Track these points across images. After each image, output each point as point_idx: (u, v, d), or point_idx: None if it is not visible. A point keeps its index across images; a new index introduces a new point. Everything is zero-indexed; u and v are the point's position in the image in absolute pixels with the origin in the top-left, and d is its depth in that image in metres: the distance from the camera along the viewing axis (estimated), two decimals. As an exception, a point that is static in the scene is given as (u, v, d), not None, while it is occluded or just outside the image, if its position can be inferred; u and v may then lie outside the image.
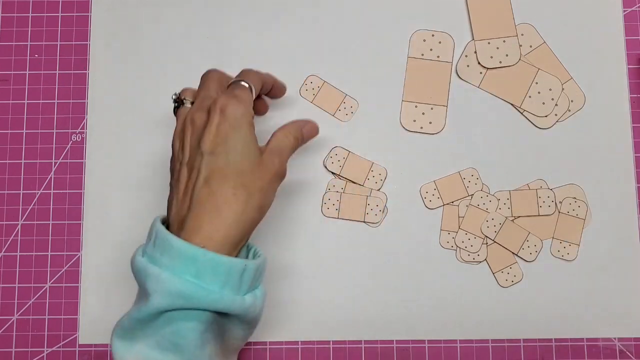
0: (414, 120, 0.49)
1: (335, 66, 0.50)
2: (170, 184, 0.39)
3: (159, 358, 0.35)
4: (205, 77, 0.41)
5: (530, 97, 0.49)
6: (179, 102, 0.41)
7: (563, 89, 0.49)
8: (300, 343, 0.47)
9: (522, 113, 0.49)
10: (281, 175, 0.39)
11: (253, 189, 0.37)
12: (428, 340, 0.47)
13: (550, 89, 0.49)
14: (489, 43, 0.49)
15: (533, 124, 0.49)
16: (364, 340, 0.47)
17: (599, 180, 0.49)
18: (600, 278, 0.48)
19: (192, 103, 0.40)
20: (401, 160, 0.49)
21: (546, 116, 0.49)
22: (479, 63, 0.49)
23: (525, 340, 0.47)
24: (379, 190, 0.49)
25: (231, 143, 0.36)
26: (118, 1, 0.51)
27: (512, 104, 0.49)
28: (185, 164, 0.38)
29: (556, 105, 0.49)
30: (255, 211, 0.37)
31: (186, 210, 0.37)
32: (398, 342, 0.47)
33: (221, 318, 0.36)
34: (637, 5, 0.51)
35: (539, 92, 0.49)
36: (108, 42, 0.51)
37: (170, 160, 0.40)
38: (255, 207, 0.37)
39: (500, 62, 0.49)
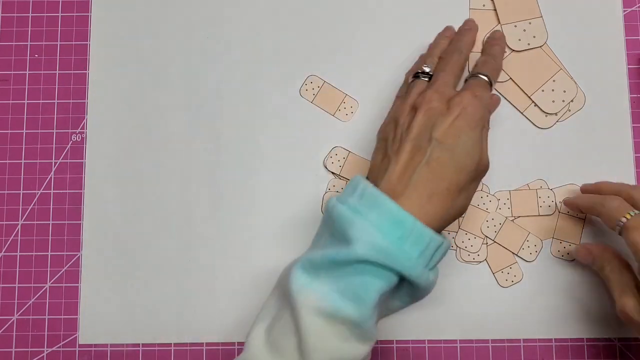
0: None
1: (336, 66, 0.50)
2: (384, 148, 0.41)
3: (337, 301, 0.36)
4: (449, 58, 0.43)
5: (543, 90, 0.49)
6: (415, 74, 0.44)
7: (576, 95, 0.49)
8: (300, 343, 0.47)
9: (522, 113, 0.49)
10: (486, 172, 0.41)
11: (464, 189, 0.39)
12: (428, 340, 0.47)
13: (564, 91, 0.49)
14: (515, 26, 0.49)
15: (533, 123, 0.49)
16: (364, 340, 0.47)
17: (599, 180, 0.49)
18: (600, 278, 0.48)
19: (430, 77, 0.43)
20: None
21: (555, 113, 0.49)
22: (507, 46, 0.49)
23: (525, 340, 0.47)
24: None
25: (462, 140, 0.38)
26: (118, 1, 0.51)
27: (523, 91, 0.49)
28: (411, 139, 0.39)
29: (568, 110, 0.49)
30: (457, 210, 0.39)
31: (402, 184, 0.38)
32: (398, 342, 0.47)
33: (400, 285, 0.38)
34: (637, 5, 0.51)
35: (552, 90, 0.49)
36: (108, 42, 0.51)
37: (388, 121, 0.42)
38: (459, 207, 0.39)
39: (529, 44, 0.49)
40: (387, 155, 0.40)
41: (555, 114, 0.49)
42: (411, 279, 0.37)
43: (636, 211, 0.40)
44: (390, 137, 0.41)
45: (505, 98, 0.49)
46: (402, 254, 0.36)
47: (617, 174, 0.49)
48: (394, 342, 0.47)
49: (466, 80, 0.43)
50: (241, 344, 0.47)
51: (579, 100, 0.49)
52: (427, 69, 0.43)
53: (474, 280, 0.48)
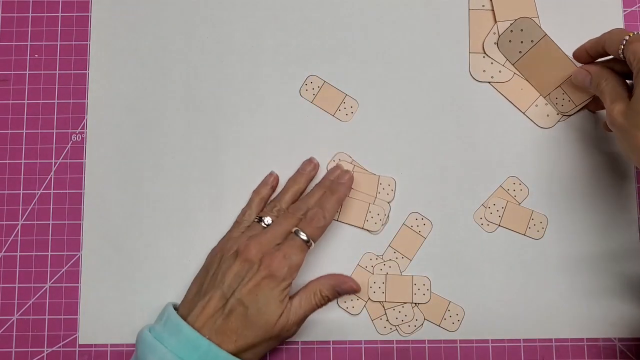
0: (484, 71, 0.49)
1: (336, 66, 0.50)
2: (202, 279, 0.44)
3: None
4: (293, 214, 0.45)
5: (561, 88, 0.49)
6: (259, 218, 0.46)
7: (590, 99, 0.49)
8: (300, 343, 0.47)
9: (524, 112, 0.49)
10: (286, 336, 0.44)
11: (253, 347, 0.42)
12: (428, 340, 0.47)
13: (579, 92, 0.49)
14: (511, 31, 0.49)
15: (535, 123, 0.49)
16: (364, 340, 0.47)
17: (599, 180, 0.49)
18: (600, 278, 0.48)
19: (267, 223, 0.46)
20: (403, 162, 0.49)
21: (567, 114, 0.49)
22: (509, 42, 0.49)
23: (525, 340, 0.47)
24: (390, 202, 0.49)
25: (260, 301, 0.42)
26: (118, 1, 0.51)
27: (538, 90, 0.49)
28: (222, 287, 0.42)
29: (579, 109, 0.49)
30: (254, 356, 0.43)
31: (202, 322, 0.42)
32: (398, 342, 0.47)
33: None
34: (637, 5, 0.51)
35: (563, 93, 0.49)
36: (108, 42, 0.51)
37: (218, 250, 0.45)
38: (255, 354, 0.43)
39: (532, 41, 0.49)
40: (200, 291, 0.43)
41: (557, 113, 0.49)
42: None
43: (636, 32, 0.42)
44: (211, 271, 0.44)
45: (507, 98, 0.49)
46: None
47: (617, 174, 0.49)
48: (394, 342, 0.47)
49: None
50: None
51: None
52: (267, 221, 0.46)
53: (474, 281, 0.48)
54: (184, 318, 0.42)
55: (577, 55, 0.47)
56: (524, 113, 0.49)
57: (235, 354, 0.41)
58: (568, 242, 0.48)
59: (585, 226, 0.48)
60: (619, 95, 0.42)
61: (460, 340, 0.47)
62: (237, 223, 0.47)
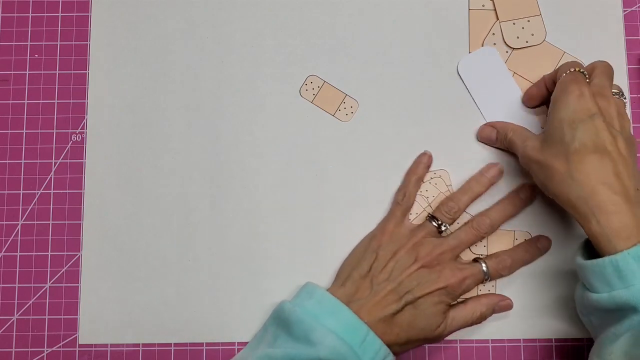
0: None
1: (336, 66, 0.50)
2: (370, 263, 0.44)
3: None
4: (474, 228, 0.45)
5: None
6: (431, 216, 0.46)
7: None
8: (300, 343, 0.47)
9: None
10: (436, 342, 0.45)
11: (409, 343, 0.43)
12: (428, 340, 0.47)
13: None
14: (513, 23, 0.49)
15: (535, 123, 0.49)
16: (364, 340, 0.47)
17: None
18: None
19: (439, 224, 0.46)
20: (400, 163, 0.49)
21: None
22: (505, 44, 0.49)
23: (525, 340, 0.47)
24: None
25: (430, 310, 0.43)
26: (118, 1, 0.51)
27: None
28: (396, 282, 0.43)
29: None
30: (396, 352, 0.43)
31: (369, 315, 0.42)
32: (398, 342, 0.47)
33: None
34: (637, 5, 0.51)
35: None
36: (108, 42, 0.51)
37: (389, 239, 0.45)
38: (402, 351, 0.44)
39: (527, 42, 0.49)
40: (371, 279, 0.44)
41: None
42: None
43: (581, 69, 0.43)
44: (383, 259, 0.44)
45: (528, 80, 0.49)
46: (356, 358, 0.40)
47: (617, 174, 0.49)
48: (394, 342, 0.47)
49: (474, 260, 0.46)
50: (241, 343, 0.47)
51: None
52: (444, 228, 0.46)
53: (474, 280, 0.48)
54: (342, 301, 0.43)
55: (529, 95, 0.47)
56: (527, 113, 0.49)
57: (392, 344, 0.42)
58: (568, 242, 0.48)
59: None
60: (528, 136, 0.44)
61: (460, 340, 0.47)
62: (397, 205, 0.47)
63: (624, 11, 0.51)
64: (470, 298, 0.45)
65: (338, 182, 0.49)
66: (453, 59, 0.50)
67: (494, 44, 0.50)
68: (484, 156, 0.49)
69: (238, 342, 0.47)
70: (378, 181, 0.49)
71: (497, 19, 0.50)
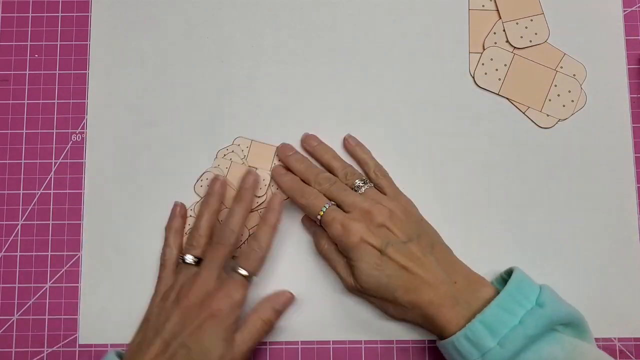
0: (485, 74, 0.49)
1: (335, 66, 0.50)
2: (145, 330, 0.44)
3: None
4: (218, 247, 0.44)
5: (550, 100, 0.49)
6: (182, 259, 0.46)
7: (581, 93, 0.49)
8: (300, 343, 0.47)
9: (524, 113, 0.49)
10: None
11: None
12: (428, 340, 0.47)
13: (569, 91, 0.49)
14: (517, 23, 0.49)
15: (535, 123, 0.49)
16: (364, 340, 0.47)
17: (599, 180, 0.49)
18: (600, 278, 0.48)
19: (193, 258, 0.45)
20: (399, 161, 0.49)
21: (564, 106, 0.49)
22: (508, 43, 0.49)
23: (525, 340, 0.47)
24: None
25: (205, 342, 0.41)
26: (118, 1, 0.51)
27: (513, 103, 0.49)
28: (163, 335, 0.42)
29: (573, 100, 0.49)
30: None
31: None
32: (398, 342, 0.47)
33: None
34: (637, 5, 0.51)
35: (558, 95, 0.49)
36: (108, 42, 0.51)
37: (156, 301, 0.45)
38: None
39: (531, 41, 0.49)
40: (144, 340, 0.43)
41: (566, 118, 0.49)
42: None
43: (327, 204, 0.44)
44: (151, 321, 0.44)
45: (508, 99, 0.49)
46: None
47: (617, 174, 0.49)
48: (394, 342, 0.47)
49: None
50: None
51: (580, 100, 0.49)
52: (189, 260, 0.45)
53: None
54: None
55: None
56: (524, 113, 0.49)
57: None
58: (568, 242, 0.48)
59: (585, 226, 0.48)
60: (345, 267, 0.44)
61: (460, 340, 0.47)
62: (162, 266, 0.46)
63: (624, 11, 0.51)
64: (250, 312, 0.45)
65: (338, 182, 0.49)
66: (453, 59, 0.50)
67: (495, 43, 0.50)
68: (485, 156, 0.49)
69: (238, 342, 0.47)
70: (378, 181, 0.49)
71: (500, 18, 0.50)
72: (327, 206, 0.44)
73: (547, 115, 0.49)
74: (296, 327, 0.47)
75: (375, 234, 0.42)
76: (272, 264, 0.48)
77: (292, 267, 0.48)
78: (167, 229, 0.48)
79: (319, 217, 0.44)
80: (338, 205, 0.44)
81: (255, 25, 0.51)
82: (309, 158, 0.48)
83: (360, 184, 0.45)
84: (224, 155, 0.49)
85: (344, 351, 0.47)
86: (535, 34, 0.49)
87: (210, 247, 0.45)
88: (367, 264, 0.42)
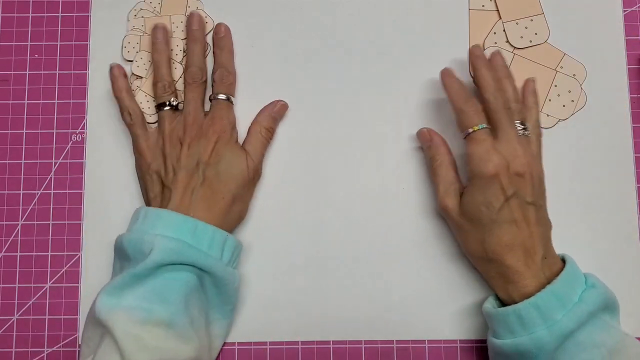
0: None
1: (335, 66, 0.50)
2: (159, 180, 0.45)
3: (144, 307, 0.39)
4: (193, 86, 0.47)
5: (550, 100, 0.49)
6: (158, 105, 0.47)
7: (581, 93, 0.49)
8: (300, 343, 0.47)
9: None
10: (257, 177, 0.48)
11: (238, 197, 0.45)
12: (428, 341, 0.47)
13: (569, 91, 0.49)
14: (517, 23, 0.49)
15: None
16: (364, 340, 0.47)
17: (599, 180, 0.49)
18: (600, 278, 0.47)
19: (169, 104, 0.47)
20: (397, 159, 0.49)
21: (564, 106, 0.49)
22: (508, 43, 0.49)
23: (525, 340, 0.47)
24: None
25: (225, 158, 0.45)
26: (118, 1, 0.51)
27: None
28: (183, 168, 0.44)
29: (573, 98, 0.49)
30: (237, 215, 0.46)
31: (184, 206, 0.43)
32: (398, 342, 0.47)
33: (204, 287, 0.43)
34: (637, 5, 0.51)
35: (558, 95, 0.49)
36: (108, 43, 0.51)
37: (153, 156, 0.46)
38: (237, 213, 0.46)
39: (531, 42, 0.49)
40: (165, 186, 0.45)
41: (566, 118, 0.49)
42: (208, 269, 0.42)
43: (485, 125, 0.43)
44: (162, 170, 0.45)
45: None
46: (192, 250, 0.41)
47: (617, 174, 0.49)
48: (394, 342, 0.47)
49: (210, 99, 0.48)
50: (241, 343, 0.47)
51: (581, 99, 0.49)
52: (173, 102, 0.47)
53: (474, 280, 0.48)
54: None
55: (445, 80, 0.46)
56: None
57: (226, 212, 0.44)
58: (568, 242, 0.48)
59: (585, 226, 0.48)
60: (451, 187, 0.45)
61: (460, 340, 0.47)
62: (132, 126, 0.47)
63: (624, 11, 0.51)
64: (250, 126, 0.48)
65: (338, 182, 0.49)
66: (453, 59, 0.50)
67: (495, 43, 0.50)
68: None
69: (238, 343, 0.47)
70: (377, 181, 0.49)
71: (500, 18, 0.50)
72: (484, 126, 0.43)
73: (547, 115, 0.49)
74: (296, 327, 0.47)
75: (510, 178, 0.42)
76: (272, 265, 0.48)
77: (292, 267, 0.48)
78: (117, 91, 0.48)
79: (470, 130, 0.43)
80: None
81: (255, 25, 0.51)
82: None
83: (520, 127, 0.44)
84: (135, 15, 0.50)
85: (344, 351, 0.47)
86: (536, 34, 0.49)
87: (186, 88, 0.47)
88: (485, 198, 0.42)
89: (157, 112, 0.47)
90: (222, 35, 0.49)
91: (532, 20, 0.49)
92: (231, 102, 0.47)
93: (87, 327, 0.42)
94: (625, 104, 0.50)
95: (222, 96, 0.47)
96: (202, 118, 0.46)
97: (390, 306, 0.48)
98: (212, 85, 0.48)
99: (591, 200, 0.49)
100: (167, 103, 0.47)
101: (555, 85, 0.49)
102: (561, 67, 0.49)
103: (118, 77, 0.48)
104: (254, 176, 0.46)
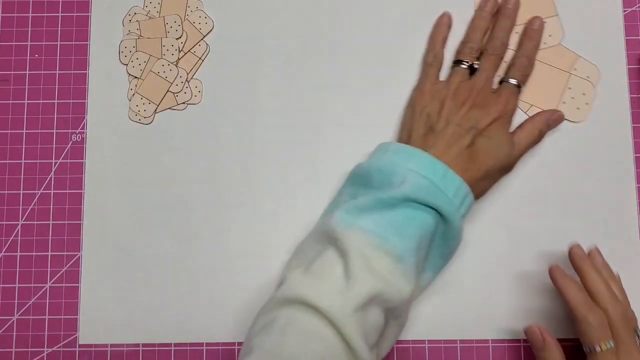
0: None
1: (335, 66, 0.50)
2: (429, 122, 0.46)
3: (381, 233, 0.40)
4: (492, 55, 0.47)
5: (564, 102, 0.49)
6: (457, 60, 0.48)
7: (594, 92, 0.49)
8: (300, 343, 0.47)
9: (525, 112, 0.49)
10: (509, 170, 0.47)
11: (490, 175, 0.45)
12: (428, 341, 0.47)
13: (584, 94, 0.49)
14: None
15: None
16: (364, 340, 0.47)
17: (599, 180, 0.49)
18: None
19: (469, 65, 0.48)
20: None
21: (578, 108, 0.49)
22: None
23: (525, 341, 0.47)
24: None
25: (499, 136, 0.45)
26: (118, 1, 0.51)
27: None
28: (456, 123, 0.45)
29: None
30: (480, 191, 0.45)
31: (445, 156, 0.43)
32: (398, 342, 0.47)
33: (433, 235, 0.42)
34: (637, 5, 0.51)
35: (572, 98, 0.49)
36: (108, 42, 0.51)
37: (431, 98, 0.47)
38: (482, 189, 0.45)
39: (545, 43, 0.49)
40: (433, 130, 0.45)
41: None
42: (447, 216, 0.41)
43: (611, 343, 0.41)
44: (434, 114, 0.46)
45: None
46: (440, 193, 0.41)
47: (617, 174, 0.49)
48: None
49: (500, 82, 0.48)
50: (241, 344, 0.47)
51: (595, 101, 0.49)
52: (465, 65, 0.48)
53: (475, 280, 0.48)
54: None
55: (552, 276, 0.44)
56: (525, 112, 0.49)
57: (473, 182, 0.43)
58: (568, 242, 0.48)
59: (585, 226, 0.48)
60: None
61: (460, 340, 0.47)
62: (429, 66, 0.48)
63: (624, 11, 0.51)
64: (525, 121, 0.48)
65: (338, 182, 0.49)
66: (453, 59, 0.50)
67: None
68: (484, 156, 0.49)
69: (238, 342, 0.47)
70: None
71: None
72: (611, 344, 0.41)
73: (577, 108, 0.49)
74: (296, 327, 0.47)
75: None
76: (272, 264, 0.48)
77: (292, 267, 0.48)
78: (435, 34, 0.49)
79: (597, 349, 0.41)
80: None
81: (255, 25, 0.51)
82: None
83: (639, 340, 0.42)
84: (129, 20, 0.50)
85: (344, 351, 0.47)
86: (550, 35, 0.49)
87: (485, 57, 0.47)
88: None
89: (452, 67, 0.48)
90: (536, 27, 0.49)
91: (546, 22, 0.49)
92: (519, 90, 0.47)
93: (307, 242, 0.43)
94: (625, 104, 0.50)
95: (513, 81, 0.47)
96: (490, 90, 0.47)
97: (390, 306, 0.48)
98: (508, 68, 0.48)
99: (591, 200, 0.49)
100: (471, 64, 0.47)
101: (570, 88, 0.49)
102: (575, 69, 0.49)
103: (442, 25, 0.50)
104: (511, 166, 0.47)
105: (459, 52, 0.49)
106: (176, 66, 0.50)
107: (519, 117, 0.49)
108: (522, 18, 0.49)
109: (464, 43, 0.49)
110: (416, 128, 0.46)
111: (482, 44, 0.48)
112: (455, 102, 0.46)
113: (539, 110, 0.49)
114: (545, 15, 0.49)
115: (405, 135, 0.47)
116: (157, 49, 0.50)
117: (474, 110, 0.45)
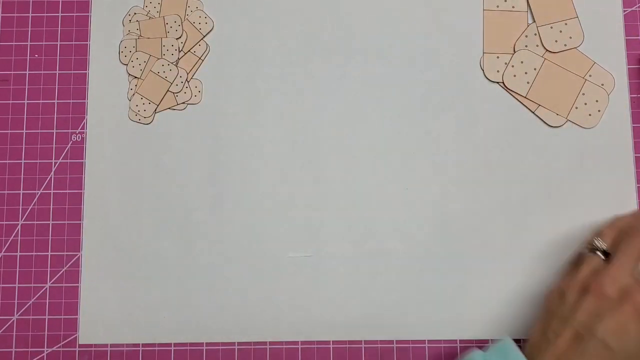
0: (497, 71, 0.49)
1: (335, 66, 0.50)
2: (547, 323, 0.41)
3: None
4: (633, 238, 0.41)
5: (577, 107, 0.49)
6: (591, 247, 0.42)
7: (608, 100, 0.49)
8: (300, 343, 0.47)
9: (533, 112, 0.49)
10: None
11: None
12: (428, 341, 0.47)
13: (597, 101, 0.49)
14: (551, 27, 0.49)
15: (544, 122, 0.49)
16: (364, 340, 0.47)
17: (599, 180, 0.49)
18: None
19: (604, 254, 0.41)
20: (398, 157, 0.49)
21: (590, 115, 0.49)
22: (544, 48, 0.49)
23: (525, 341, 0.47)
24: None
25: (625, 342, 0.38)
26: (118, 1, 0.51)
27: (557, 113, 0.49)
28: (574, 325, 0.39)
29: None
30: None
31: None
32: (398, 342, 0.47)
33: None
34: (637, 5, 0.51)
35: (585, 104, 0.49)
36: (108, 42, 0.51)
37: (555, 291, 0.42)
38: None
39: (565, 45, 0.49)
40: (546, 335, 0.40)
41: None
42: None
43: (603, 245, 0.41)
44: (553, 313, 0.41)
45: (516, 98, 0.49)
46: None
47: (617, 174, 0.49)
48: (394, 342, 0.47)
49: None
50: (241, 343, 0.47)
51: (608, 109, 0.49)
52: (601, 245, 0.42)
53: (475, 280, 0.48)
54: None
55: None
56: (533, 112, 0.49)
57: None
58: (568, 243, 0.48)
59: (586, 226, 0.48)
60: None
61: (460, 340, 0.47)
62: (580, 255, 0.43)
63: (624, 11, 0.51)
64: None
65: (338, 182, 0.49)
66: (457, 59, 0.50)
67: (525, 46, 0.49)
68: (485, 155, 0.49)
69: (238, 342, 0.47)
70: (379, 182, 0.49)
71: (534, 21, 0.49)
72: None
73: (572, 123, 0.49)
74: (296, 327, 0.48)
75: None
76: (272, 264, 0.48)
77: (292, 267, 0.48)
78: (616, 218, 0.44)
79: None
80: None
81: (255, 25, 0.51)
82: None
83: None
84: (129, 20, 0.50)
85: (344, 351, 0.47)
86: (570, 37, 0.49)
87: (627, 239, 0.41)
88: None
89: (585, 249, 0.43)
90: None
91: (566, 23, 0.49)
92: None
93: None
94: (625, 104, 0.50)
95: None
96: (627, 280, 0.39)
97: (390, 306, 0.48)
98: None
99: (591, 200, 0.49)
100: (596, 247, 0.42)
101: (583, 94, 0.49)
102: (590, 76, 0.49)
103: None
104: None
105: (593, 235, 0.43)
106: (176, 66, 0.50)
107: (525, 116, 0.49)
108: (544, 18, 0.49)
109: (602, 229, 0.43)
110: (539, 324, 0.42)
111: None
112: (588, 296, 0.40)
113: (547, 111, 0.49)
114: (567, 17, 0.49)
115: (534, 335, 0.42)
116: (157, 49, 0.50)
117: (601, 302, 0.39)
